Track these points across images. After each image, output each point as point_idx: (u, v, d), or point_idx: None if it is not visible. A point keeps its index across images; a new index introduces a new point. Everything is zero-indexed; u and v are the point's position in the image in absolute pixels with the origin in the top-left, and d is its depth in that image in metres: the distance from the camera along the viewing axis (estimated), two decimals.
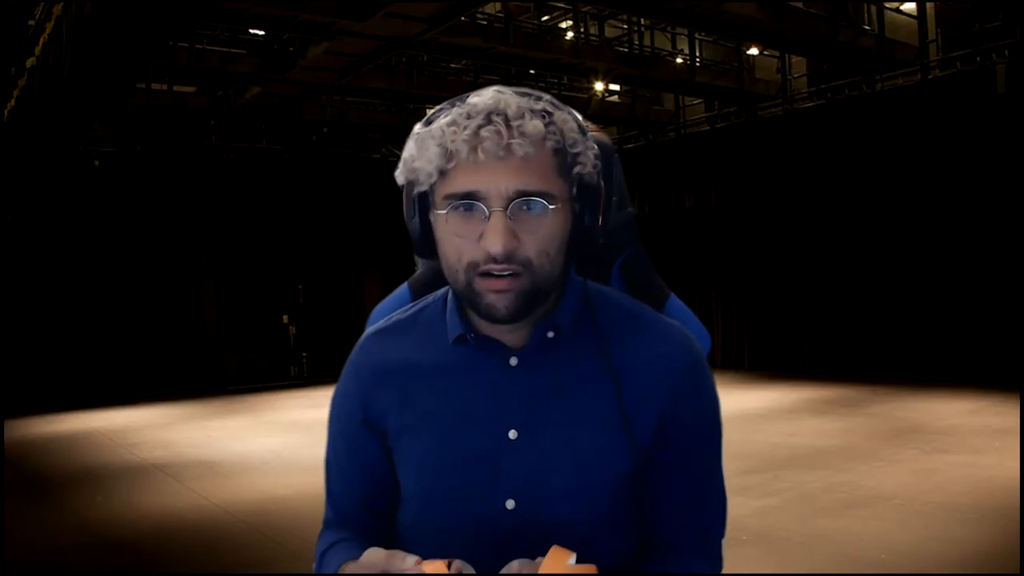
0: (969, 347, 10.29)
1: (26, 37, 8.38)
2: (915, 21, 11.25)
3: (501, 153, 0.84)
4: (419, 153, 0.88)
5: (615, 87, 14.54)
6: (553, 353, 0.93)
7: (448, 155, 0.85)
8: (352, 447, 1.00)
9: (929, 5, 11.36)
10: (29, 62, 8.05)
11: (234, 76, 11.17)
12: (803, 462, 6.32)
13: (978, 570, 3.93)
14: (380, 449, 0.98)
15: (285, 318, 14.06)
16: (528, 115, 0.85)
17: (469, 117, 0.85)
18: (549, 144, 0.86)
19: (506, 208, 0.84)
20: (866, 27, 11.92)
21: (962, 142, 9.40)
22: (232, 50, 11.05)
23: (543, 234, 0.86)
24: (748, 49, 12.79)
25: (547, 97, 0.89)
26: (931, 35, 11.34)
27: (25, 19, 8.80)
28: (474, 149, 0.84)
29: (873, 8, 11.90)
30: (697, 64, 13.36)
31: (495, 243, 0.84)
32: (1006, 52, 9.69)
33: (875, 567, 4.03)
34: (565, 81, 14.30)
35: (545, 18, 13.36)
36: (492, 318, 0.88)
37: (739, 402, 9.27)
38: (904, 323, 10.90)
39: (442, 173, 0.87)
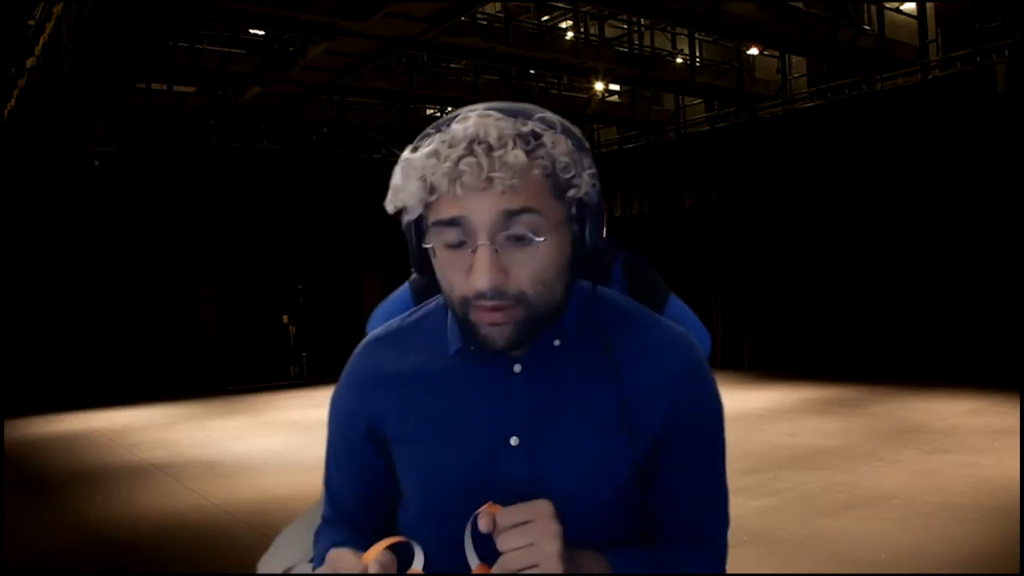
0: (969, 347, 10.29)
1: (26, 37, 8.37)
2: (915, 21, 11.25)
3: (482, 185, 0.80)
4: (403, 184, 0.85)
5: (615, 87, 14.53)
6: (556, 360, 0.93)
7: (430, 188, 0.83)
8: (351, 450, 1.01)
9: (929, 5, 11.36)
10: (29, 62, 8.05)
11: (234, 76, 11.17)
12: (803, 462, 6.32)
13: (978, 570, 3.93)
14: (379, 453, 0.98)
15: (285, 318, 14.06)
16: (511, 142, 0.81)
17: (450, 147, 0.82)
18: (536, 172, 0.82)
19: (492, 240, 0.82)
20: (866, 27, 11.93)
21: (962, 142, 9.39)
22: (232, 50, 11.05)
23: (535, 266, 0.84)
24: (748, 49, 12.79)
25: (539, 115, 0.85)
26: (931, 35, 11.34)
27: (25, 19, 8.80)
28: (454, 182, 0.81)
29: (873, 8, 11.90)
30: (697, 64, 13.36)
31: (481, 280, 0.82)
32: (1006, 52, 9.68)
33: (875, 567, 4.03)
34: (565, 81, 14.30)
35: (545, 18, 13.36)
36: (490, 349, 0.87)
37: (739, 402, 9.27)
38: (904, 323, 10.90)
39: (425, 206, 0.85)
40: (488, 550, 0.80)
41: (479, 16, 10.87)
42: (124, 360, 12.29)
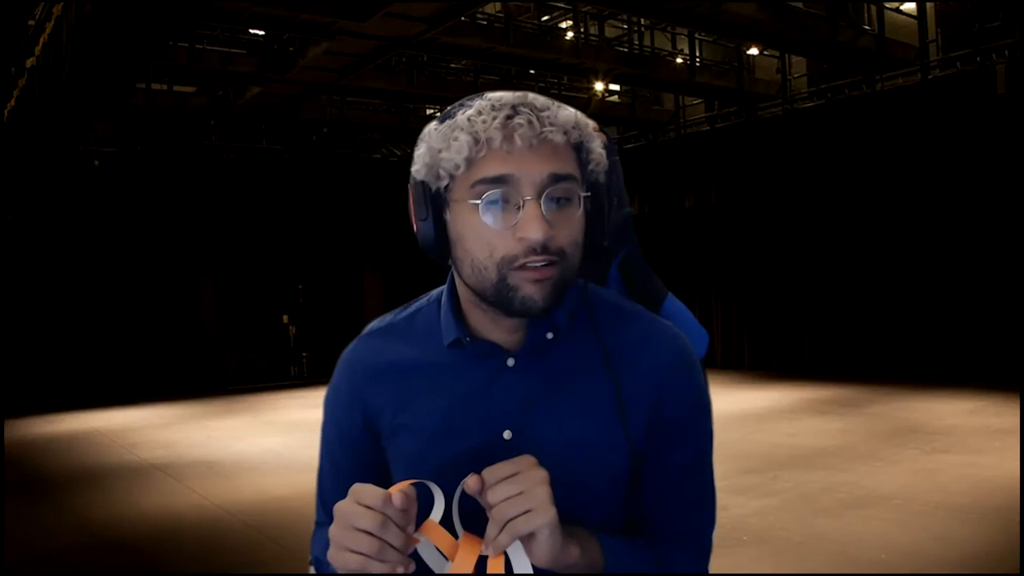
0: (969, 347, 10.29)
1: (26, 37, 8.37)
2: (915, 21, 11.25)
3: (534, 141, 0.83)
4: (444, 144, 0.86)
5: (615, 87, 14.53)
6: (549, 353, 0.93)
7: (479, 144, 0.84)
8: (347, 446, 1.01)
9: (929, 5, 11.36)
10: (29, 62, 8.04)
11: (234, 76, 11.17)
12: (803, 462, 6.32)
13: (978, 570, 3.94)
14: (375, 448, 0.98)
15: (285, 318, 14.06)
16: (555, 107, 0.87)
17: (495, 108, 0.84)
18: (573, 137, 0.87)
19: (539, 197, 0.84)
20: (866, 27, 11.92)
21: (962, 142, 9.40)
22: (232, 50, 11.04)
23: (569, 230, 0.87)
24: (748, 49, 12.78)
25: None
26: (931, 35, 11.34)
27: (25, 19, 8.80)
28: (508, 137, 0.83)
29: (873, 8, 11.90)
30: (697, 64, 13.36)
31: (535, 231, 0.83)
32: (1006, 52, 9.69)
33: (875, 567, 4.03)
34: (565, 81, 14.29)
35: (545, 18, 13.34)
36: (527, 311, 0.87)
37: (739, 402, 9.27)
38: (904, 323, 10.90)
39: (470, 163, 0.85)
40: (475, 524, 0.81)
41: (479, 16, 10.87)
42: (124, 360, 12.29)
